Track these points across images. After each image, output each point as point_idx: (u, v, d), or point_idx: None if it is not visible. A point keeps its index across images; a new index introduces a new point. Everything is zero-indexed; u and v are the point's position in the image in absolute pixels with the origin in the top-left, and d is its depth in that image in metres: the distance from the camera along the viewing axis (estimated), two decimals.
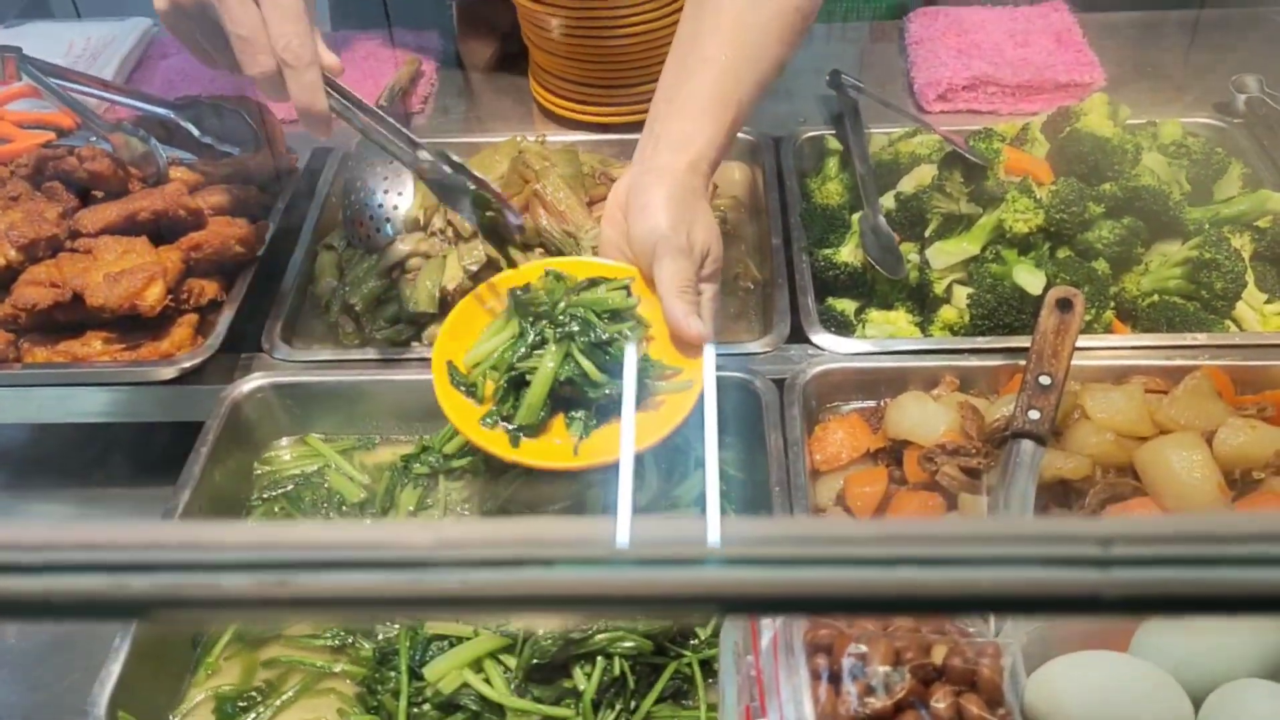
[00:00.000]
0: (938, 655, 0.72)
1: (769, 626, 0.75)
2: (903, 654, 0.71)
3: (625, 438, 0.94)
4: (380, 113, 1.16)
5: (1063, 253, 1.30)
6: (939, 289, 1.32)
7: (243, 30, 1.03)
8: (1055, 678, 0.74)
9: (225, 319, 1.30)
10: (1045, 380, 1.09)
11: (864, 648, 0.71)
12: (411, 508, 1.17)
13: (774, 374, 1.24)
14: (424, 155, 1.15)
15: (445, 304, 1.34)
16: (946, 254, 1.32)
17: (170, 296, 1.27)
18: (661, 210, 1.04)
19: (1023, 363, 1.22)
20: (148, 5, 1.94)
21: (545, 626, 0.99)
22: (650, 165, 1.09)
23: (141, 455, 1.33)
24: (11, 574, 0.29)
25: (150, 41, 1.85)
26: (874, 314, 1.33)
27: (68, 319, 1.28)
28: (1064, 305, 1.16)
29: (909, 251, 1.37)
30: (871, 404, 1.25)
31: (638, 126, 1.59)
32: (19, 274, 1.28)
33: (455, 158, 1.17)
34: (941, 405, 1.15)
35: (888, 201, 1.43)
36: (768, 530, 0.31)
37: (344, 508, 1.21)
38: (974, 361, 1.24)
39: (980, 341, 1.25)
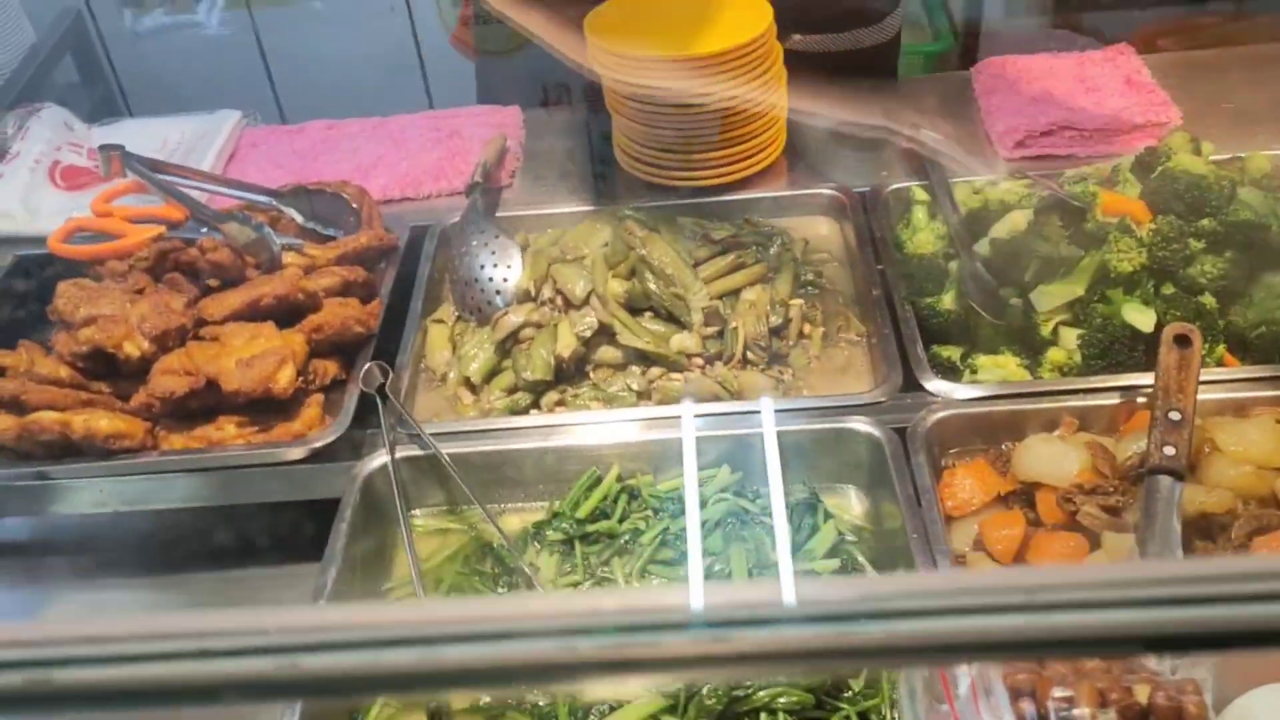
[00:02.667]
0: (1141, 695, 0.73)
1: (965, 673, 0.76)
2: (1106, 695, 0.73)
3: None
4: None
5: (1166, 289, 1.32)
6: (1045, 331, 1.34)
7: None
8: (1254, 711, 0.75)
9: (352, 396, 1.34)
10: (1175, 416, 1.11)
11: (1068, 691, 0.73)
12: (552, 575, 1.19)
13: (893, 423, 1.26)
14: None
15: (560, 371, 1.38)
16: (1051, 296, 1.34)
17: (300, 378, 1.31)
18: None
19: (1139, 400, 1.24)
20: (231, 98, 2.03)
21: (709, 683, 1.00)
22: None
23: (274, 533, 1.36)
24: (181, 660, 0.32)
25: (241, 132, 1.92)
26: (982, 359, 1.35)
27: (200, 405, 1.32)
28: (1182, 341, 1.18)
29: (1008, 296, 1.40)
30: (985, 447, 1.27)
31: (727, 188, 1.66)
32: (150, 364, 1.32)
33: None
34: (1069, 445, 1.16)
35: (981, 248, 1.45)
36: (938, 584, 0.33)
37: (483, 580, 1.22)
38: (1089, 401, 1.26)
39: (1096, 380, 1.27)
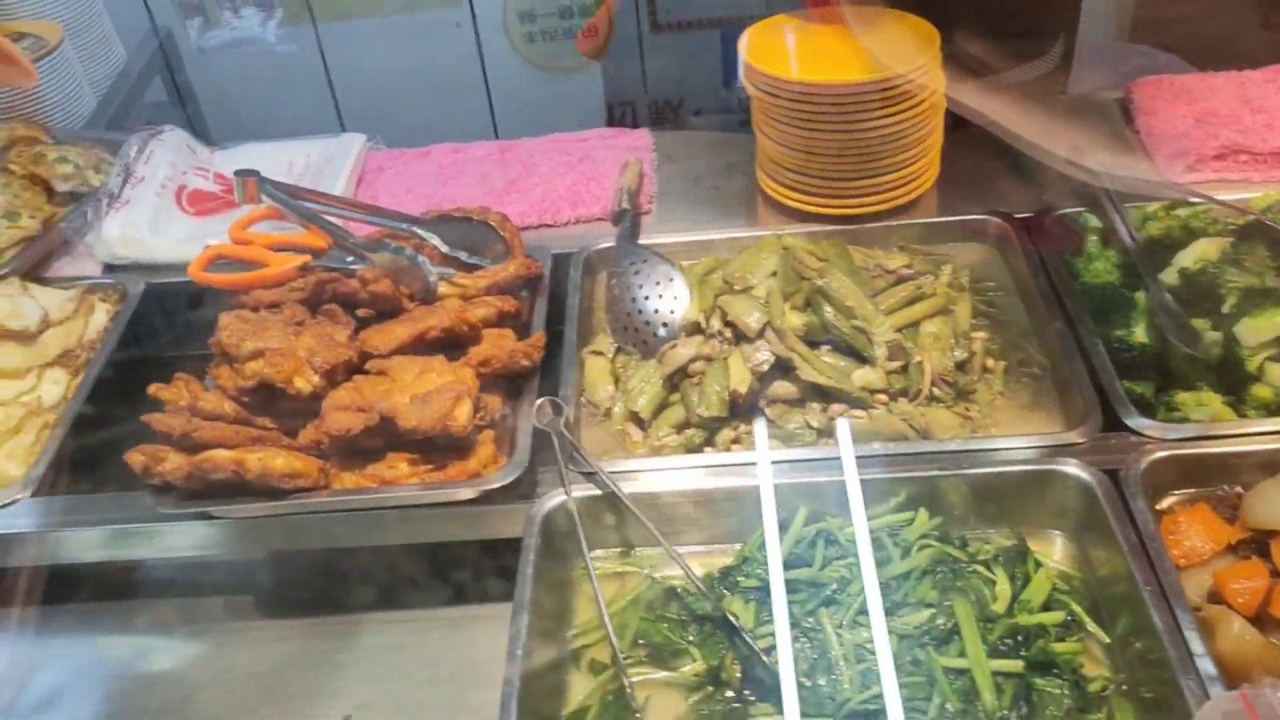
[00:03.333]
0: None
1: None
2: None
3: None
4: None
5: None
6: (1251, 366, 1.28)
7: None
8: None
9: (525, 433, 1.29)
10: None
11: None
12: (751, 625, 1.13)
13: (1099, 464, 1.20)
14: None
15: (735, 407, 1.32)
16: (1258, 330, 1.28)
17: (477, 414, 1.26)
18: None
19: None
20: (297, 117, 1.99)
21: None
22: None
23: (444, 572, 1.32)
24: None
25: (366, 156, 1.87)
26: (1182, 396, 1.29)
27: (371, 443, 1.27)
28: None
29: (1202, 329, 1.33)
30: (1201, 491, 1.20)
31: (881, 215, 1.60)
32: (316, 399, 1.27)
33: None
34: None
35: (1168, 277, 1.39)
36: None
37: (671, 627, 1.17)
38: None
39: None
